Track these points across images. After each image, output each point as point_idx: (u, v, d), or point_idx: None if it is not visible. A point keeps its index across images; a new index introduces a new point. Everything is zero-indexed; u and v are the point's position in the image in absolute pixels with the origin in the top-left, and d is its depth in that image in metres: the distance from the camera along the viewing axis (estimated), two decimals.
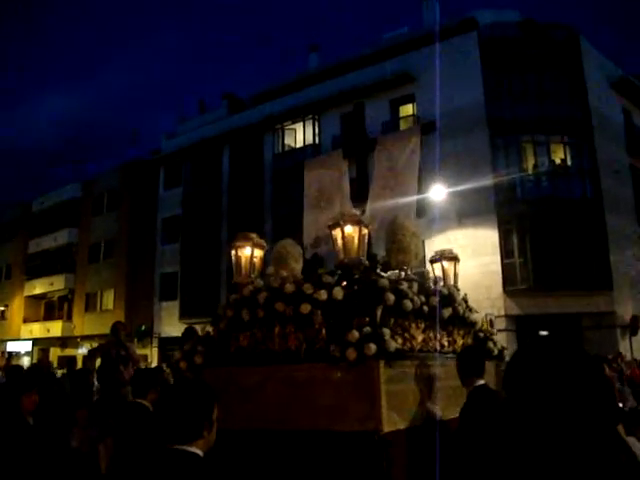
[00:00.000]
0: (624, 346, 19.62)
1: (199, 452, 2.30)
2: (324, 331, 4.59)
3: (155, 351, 28.72)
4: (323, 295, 4.62)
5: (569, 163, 22.19)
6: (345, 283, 4.97)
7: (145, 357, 26.10)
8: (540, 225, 20.70)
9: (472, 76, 22.38)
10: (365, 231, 5.31)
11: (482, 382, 4.30)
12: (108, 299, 33.95)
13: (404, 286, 4.83)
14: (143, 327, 29.53)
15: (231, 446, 4.33)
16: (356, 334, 4.29)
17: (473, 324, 5.79)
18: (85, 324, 34.39)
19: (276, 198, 27.39)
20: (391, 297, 4.61)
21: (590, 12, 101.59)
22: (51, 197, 39.06)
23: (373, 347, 4.18)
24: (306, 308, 4.62)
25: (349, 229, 5.21)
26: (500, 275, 20.74)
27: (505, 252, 21.25)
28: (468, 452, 3.83)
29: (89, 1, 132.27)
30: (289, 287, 4.81)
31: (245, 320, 5.03)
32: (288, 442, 4.39)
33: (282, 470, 4.30)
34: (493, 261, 20.66)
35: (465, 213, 20.72)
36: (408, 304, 4.70)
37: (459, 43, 23.12)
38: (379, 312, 4.56)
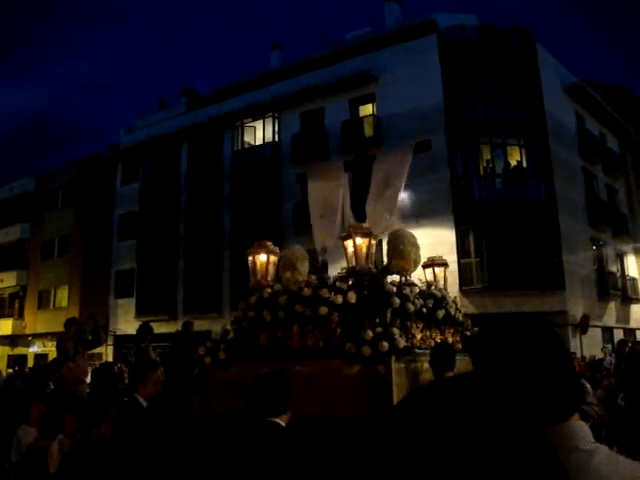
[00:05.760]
0: (575, 344, 20.15)
1: (282, 423, 3.27)
2: (339, 330, 5.20)
3: (110, 349, 28.23)
4: (339, 299, 5.27)
5: (524, 165, 22.65)
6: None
7: (100, 355, 25.65)
8: (496, 226, 21.08)
9: (431, 78, 22.64)
10: (373, 242, 6.01)
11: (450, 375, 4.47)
12: (62, 296, 33.21)
13: (407, 290, 5.57)
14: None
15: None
16: (370, 333, 4.91)
17: (462, 323, 6.47)
18: (37, 322, 33.59)
19: (235, 195, 27.23)
20: (397, 300, 5.29)
21: (546, 19, 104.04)
22: (2, 191, 38.06)
23: (386, 345, 4.81)
24: (324, 310, 5.24)
25: (359, 240, 5.90)
26: (457, 275, 21.01)
27: (462, 252, 21.57)
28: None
29: None
30: (307, 291, 5.47)
31: (267, 320, 5.61)
32: (307, 427, 4.73)
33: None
34: (450, 261, 20.71)
35: (423, 213, 20.91)
36: (410, 306, 5.39)
37: (419, 45, 23.37)
38: (389, 314, 5.22)
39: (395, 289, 5.45)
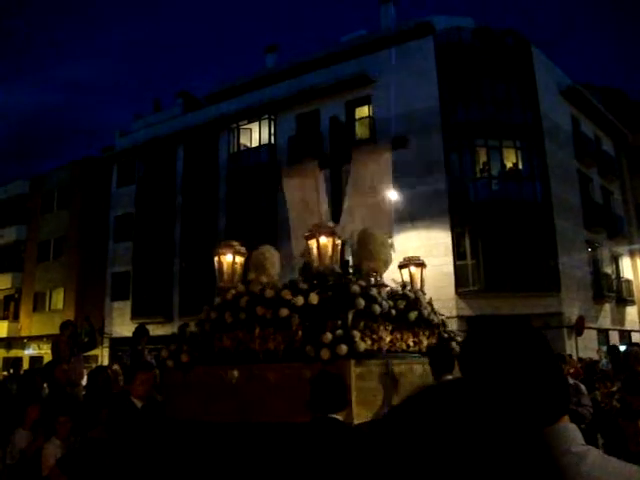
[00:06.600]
0: (570, 345, 20.17)
1: (340, 418, 3.56)
2: (300, 333, 5.01)
3: (106, 351, 28.16)
4: (300, 300, 5.06)
5: (520, 167, 22.69)
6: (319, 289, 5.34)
7: (96, 357, 25.58)
8: (492, 228, 21.10)
9: (428, 79, 22.66)
10: (338, 241, 5.83)
11: (450, 378, 4.40)
12: (57, 299, 33.11)
13: (373, 291, 5.30)
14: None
15: (216, 437, 4.86)
16: (329, 336, 4.72)
17: (437, 325, 6.20)
18: (33, 324, 33.47)
19: (230, 198, 27.21)
20: (361, 302, 5.05)
21: (542, 22, 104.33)
22: None
23: (344, 348, 4.63)
24: (284, 312, 5.04)
25: (324, 239, 5.70)
26: (452, 277, 21.05)
27: (457, 254, 21.59)
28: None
29: None
30: (269, 292, 5.26)
31: (228, 322, 5.42)
32: (266, 433, 4.65)
33: (261, 458, 4.51)
34: (445, 263, 20.94)
35: (419, 215, 20.95)
36: (377, 308, 5.15)
37: (415, 47, 23.40)
38: (350, 316, 5.01)
39: (360, 290, 5.21)
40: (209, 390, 5.28)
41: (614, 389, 8.10)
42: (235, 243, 6.53)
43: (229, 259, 6.41)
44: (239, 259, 6.46)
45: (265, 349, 5.16)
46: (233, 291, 5.70)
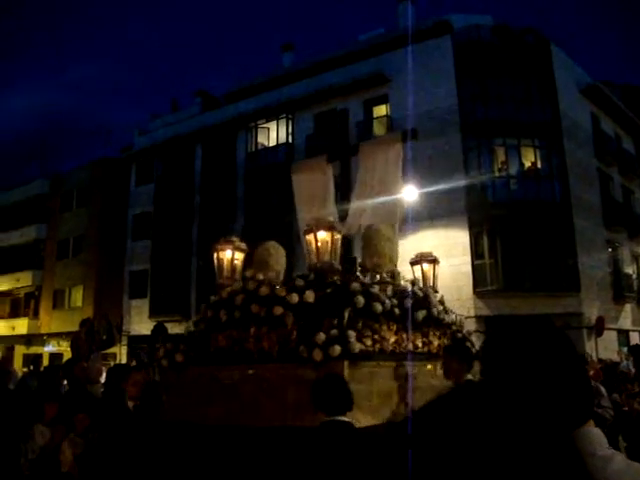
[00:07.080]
0: (590, 346, 19.95)
1: (347, 420, 3.52)
2: (295, 332, 4.75)
3: (124, 349, 28.36)
4: (295, 298, 4.80)
5: (539, 166, 22.49)
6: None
7: (114, 355, 25.77)
8: (510, 227, 20.94)
9: (446, 78, 22.55)
10: (338, 236, 5.55)
11: (469, 377, 4.29)
12: (77, 296, 33.45)
13: (375, 289, 4.99)
14: None
15: (212, 441, 4.63)
16: (322, 336, 4.47)
17: (449, 325, 5.88)
18: (52, 321, 33.85)
19: (248, 197, 27.28)
20: (361, 300, 4.76)
21: (561, 19, 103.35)
22: (18, 192, 38.34)
23: (338, 348, 4.38)
24: (278, 310, 4.80)
25: (322, 234, 5.44)
26: (470, 276, 20.92)
27: (475, 253, 21.45)
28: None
29: None
30: (264, 290, 5.00)
31: (223, 320, 5.19)
32: (262, 438, 4.47)
33: (256, 465, 4.37)
34: (464, 262, 20.84)
35: (437, 214, 20.84)
36: (378, 307, 4.84)
37: (433, 46, 23.27)
38: (346, 314, 4.72)
39: (361, 287, 4.93)
40: (203, 391, 5.12)
41: (636, 390, 8.00)
42: (235, 239, 6.32)
43: (228, 255, 6.17)
44: (239, 255, 6.23)
45: (259, 349, 4.93)
46: (229, 289, 5.49)
